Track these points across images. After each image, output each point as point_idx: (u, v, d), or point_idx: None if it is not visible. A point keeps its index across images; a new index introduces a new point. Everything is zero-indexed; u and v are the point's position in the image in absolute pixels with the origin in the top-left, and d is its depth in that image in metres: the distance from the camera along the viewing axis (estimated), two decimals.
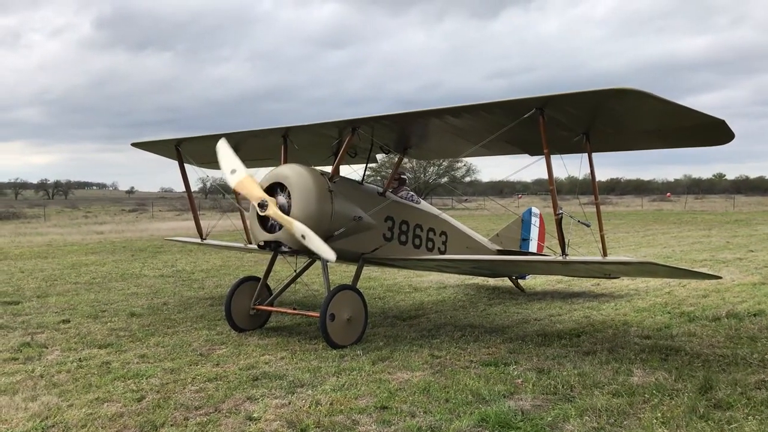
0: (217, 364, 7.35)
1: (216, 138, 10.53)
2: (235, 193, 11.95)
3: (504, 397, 6.14)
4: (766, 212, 48.14)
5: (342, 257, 9.34)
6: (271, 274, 9.63)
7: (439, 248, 10.20)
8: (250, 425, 5.49)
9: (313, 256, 9.45)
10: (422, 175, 68.47)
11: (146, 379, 6.75)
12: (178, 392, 6.32)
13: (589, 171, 8.12)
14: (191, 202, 11.93)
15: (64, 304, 11.44)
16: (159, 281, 14.45)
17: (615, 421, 5.50)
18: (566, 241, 7.75)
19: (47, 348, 8.18)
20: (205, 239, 11.73)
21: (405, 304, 11.56)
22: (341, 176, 9.12)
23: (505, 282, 13.09)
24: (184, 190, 11.69)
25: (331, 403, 5.94)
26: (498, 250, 11.89)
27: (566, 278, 13.48)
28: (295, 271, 10.09)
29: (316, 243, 7.79)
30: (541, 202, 53.44)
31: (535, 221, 13.04)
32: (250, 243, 10.95)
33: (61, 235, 29.10)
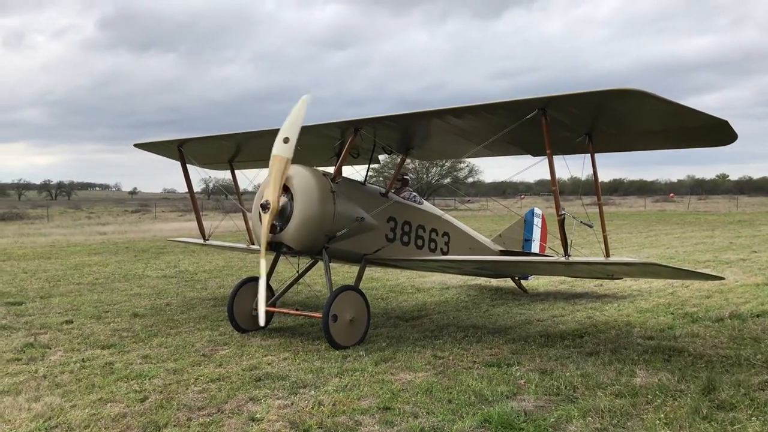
0: (220, 365, 7.36)
1: (218, 139, 10.57)
2: (238, 193, 12.05)
3: (507, 397, 6.13)
4: None
5: (344, 258, 9.35)
6: (274, 274, 9.64)
7: (441, 249, 10.20)
8: (252, 426, 5.49)
9: (315, 257, 9.46)
10: (425, 176, 68.49)
11: (149, 379, 6.76)
12: (181, 393, 6.33)
13: (592, 171, 8.12)
14: (194, 203, 11.96)
15: (67, 304, 11.46)
16: (162, 282, 14.47)
17: (618, 422, 5.49)
18: (569, 241, 7.74)
19: (50, 348, 8.20)
20: (207, 240, 11.75)
21: (408, 304, 11.56)
22: (343, 177, 9.12)
23: (508, 283, 13.08)
24: (186, 190, 11.72)
25: (333, 404, 5.94)
26: (500, 251, 11.89)
27: (569, 279, 13.47)
28: (298, 271, 10.10)
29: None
30: (543, 203, 53.41)
31: (537, 222, 13.03)
32: (253, 244, 10.97)
33: (64, 236, 29.16)
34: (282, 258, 9.28)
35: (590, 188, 8.25)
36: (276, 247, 8.62)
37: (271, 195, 8.06)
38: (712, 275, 8.75)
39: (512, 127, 7.81)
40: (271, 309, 9.28)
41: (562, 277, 13.54)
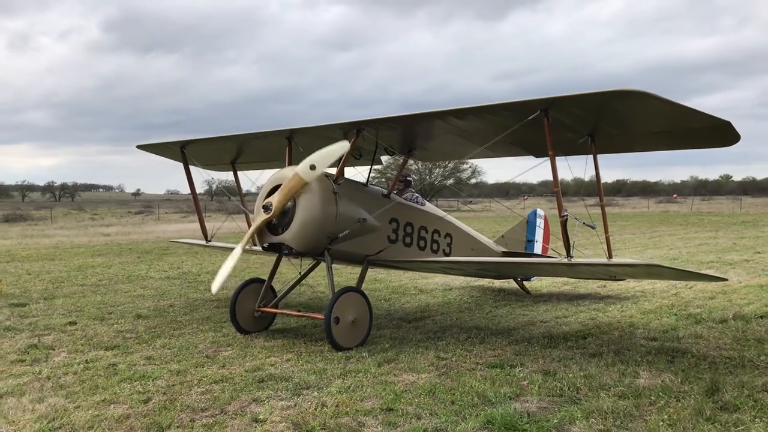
0: (223, 366, 7.37)
1: (220, 140, 10.60)
2: (240, 194, 12.06)
3: (510, 399, 6.13)
4: None
5: (347, 259, 9.36)
6: (277, 276, 9.65)
7: (443, 250, 10.20)
8: (256, 427, 5.50)
9: (317, 259, 9.47)
10: (428, 177, 68.49)
11: (152, 380, 6.77)
12: (185, 394, 6.34)
13: (594, 173, 8.11)
14: (196, 204, 11.98)
15: (71, 306, 11.49)
16: (165, 283, 14.49)
17: (621, 423, 5.48)
18: (571, 243, 7.73)
19: (54, 350, 8.22)
20: (210, 241, 11.77)
21: (410, 306, 11.56)
22: (346, 178, 9.13)
23: (511, 284, 13.08)
24: (189, 192, 11.74)
25: (336, 405, 5.95)
26: (503, 252, 11.88)
27: (572, 280, 13.45)
28: (300, 273, 10.11)
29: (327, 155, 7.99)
30: (547, 204, 53.36)
31: (540, 223, 13.03)
32: (255, 245, 10.99)
33: (67, 237, 29.23)
34: (284, 259, 9.29)
35: (593, 189, 8.24)
36: (278, 248, 8.63)
37: (276, 203, 8.13)
38: (715, 276, 8.73)
39: (514, 128, 7.81)
40: (274, 310, 9.30)
41: (565, 279, 13.53)
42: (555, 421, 5.54)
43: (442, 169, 69.81)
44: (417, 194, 10.49)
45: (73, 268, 17.37)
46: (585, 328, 9.35)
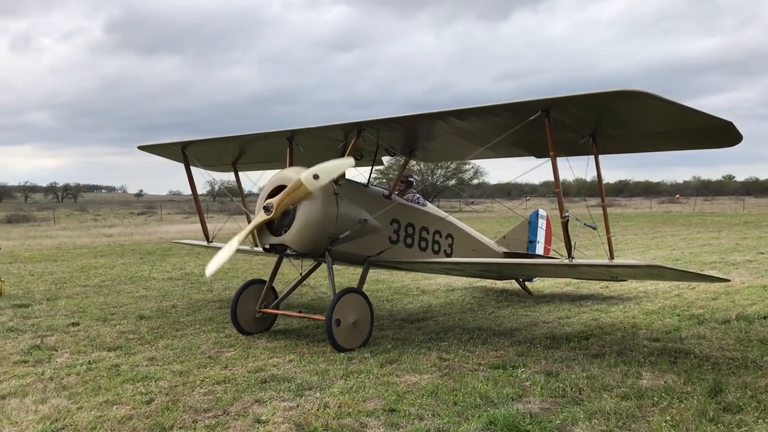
0: (226, 367, 7.38)
1: (221, 141, 10.62)
2: (242, 195, 12.07)
3: (512, 399, 6.12)
4: None
5: (347, 260, 9.36)
6: (279, 276, 9.65)
7: (445, 251, 10.19)
8: (258, 428, 5.51)
9: (318, 260, 9.47)
10: (430, 177, 68.49)
11: (155, 381, 6.78)
12: (187, 395, 6.35)
13: (596, 173, 8.10)
14: (197, 205, 11.99)
15: (74, 306, 11.50)
16: (168, 284, 14.51)
17: (624, 424, 5.47)
18: (573, 243, 7.72)
19: (57, 351, 8.23)
20: (211, 242, 11.78)
21: (413, 306, 11.56)
22: (347, 179, 9.13)
23: (513, 285, 13.06)
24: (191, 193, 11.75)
25: (339, 406, 5.95)
26: (505, 253, 11.87)
27: (574, 281, 13.45)
28: (301, 274, 10.11)
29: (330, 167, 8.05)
30: (549, 204, 53.32)
31: (541, 223, 13.01)
32: (257, 246, 11.00)
33: (70, 238, 29.28)
34: (286, 260, 9.29)
35: (595, 190, 8.23)
36: (279, 249, 8.64)
37: (277, 206, 8.14)
38: (717, 277, 8.71)
39: (515, 128, 7.80)
40: (275, 311, 9.30)
41: (568, 279, 13.52)
42: (557, 422, 5.53)
43: (444, 170, 69.79)
44: (418, 195, 10.49)
45: (76, 269, 17.40)
46: (587, 329, 9.34)
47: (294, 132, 9.50)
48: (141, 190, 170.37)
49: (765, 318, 9.87)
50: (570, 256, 7.64)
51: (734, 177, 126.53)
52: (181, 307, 11.42)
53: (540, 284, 13.46)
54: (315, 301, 11.84)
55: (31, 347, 8.33)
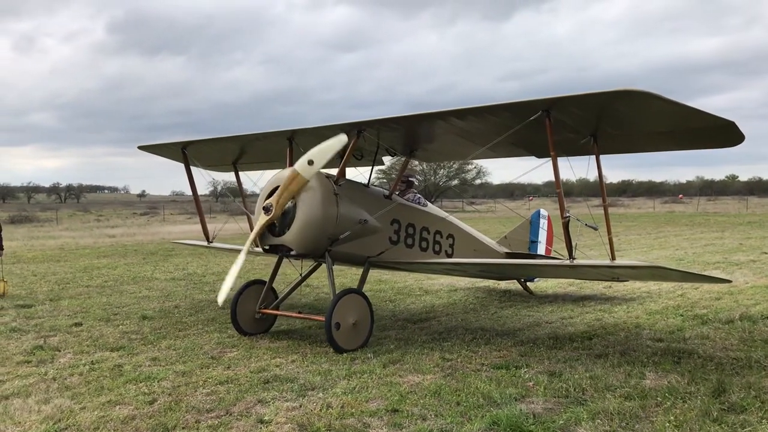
0: (228, 367, 7.38)
1: (222, 141, 10.61)
2: (242, 195, 12.07)
3: (515, 400, 6.12)
4: None
5: (348, 260, 9.34)
6: (279, 277, 9.64)
7: (446, 251, 10.17)
8: (261, 428, 5.50)
9: (318, 260, 9.46)
10: (432, 178, 68.48)
11: (158, 382, 6.78)
12: (190, 395, 6.35)
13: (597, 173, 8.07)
14: (198, 205, 11.99)
15: (77, 307, 11.52)
16: (170, 284, 14.52)
17: (627, 424, 5.46)
18: (574, 244, 7.70)
19: (60, 351, 8.24)
20: (211, 242, 11.79)
21: (415, 307, 11.55)
22: (347, 179, 9.12)
23: (516, 285, 13.05)
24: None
25: (342, 406, 5.95)
26: (506, 253, 11.85)
27: (577, 281, 13.43)
28: (301, 274, 10.11)
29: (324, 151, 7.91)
30: (551, 204, 53.26)
31: (543, 224, 12.99)
32: (257, 246, 11.00)
33: (73, 239, 29.33)
34: (286, 261, 9.28)
35: (598, 190, 8.21)
36: (278, 249, 8.63)
37: (276, 204, 8.10)
38: (719, 278, 8.67)
39: (516, 128, 7.79)
40: (274, 312, 9.29)
41: (570, 279, 13.50)
42: (561, 422, 5.52)
43: (446, 170, 69.80)
44: (419, 195, 10.47)
45: (79, 270, 17.42)
46: (590, 329, 9.33)
47: (294, 132, 9.50)
48: (144, 191, 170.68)
49: None
50: (571, 256, 7.62)
51: (737, 177, 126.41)
52: (184, 308, 11.43)
53: (543, 284, 13.45)
54: (317, 302, 11.84)
55: (34, 347, 8.34)
